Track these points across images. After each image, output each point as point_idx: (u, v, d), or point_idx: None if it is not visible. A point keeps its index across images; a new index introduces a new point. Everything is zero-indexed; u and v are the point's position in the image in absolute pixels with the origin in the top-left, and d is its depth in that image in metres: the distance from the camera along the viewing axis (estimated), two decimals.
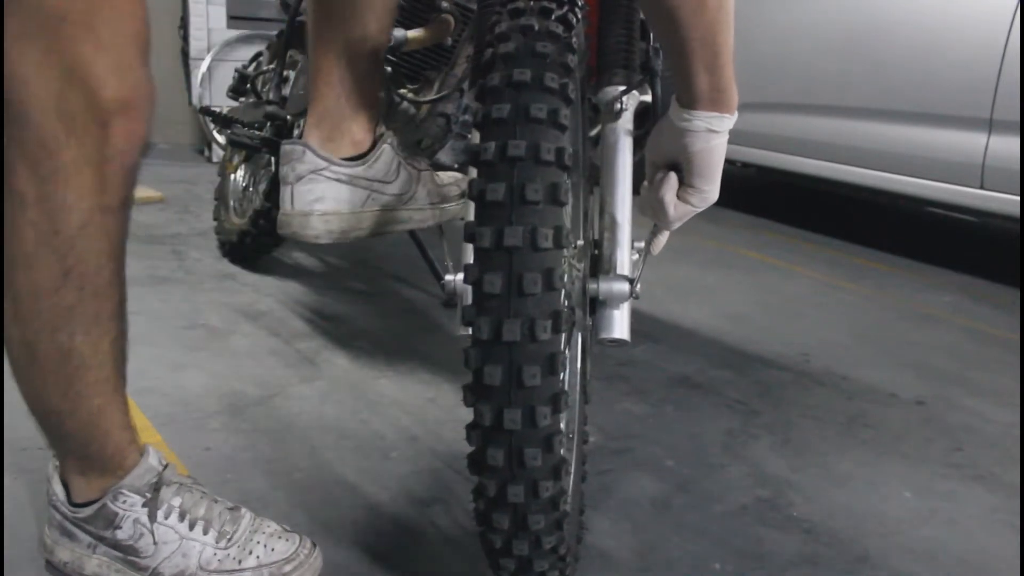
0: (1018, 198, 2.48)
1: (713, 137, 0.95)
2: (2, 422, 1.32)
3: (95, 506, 0.95)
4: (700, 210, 1.01)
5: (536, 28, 0.85)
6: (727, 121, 0.96)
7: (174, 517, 0.97)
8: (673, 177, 0.99)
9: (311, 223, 1.11)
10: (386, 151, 1.17)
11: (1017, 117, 2.45)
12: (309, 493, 1.23)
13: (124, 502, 0.95)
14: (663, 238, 1.08)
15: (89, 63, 0.75)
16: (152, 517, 0.95)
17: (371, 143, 1.17)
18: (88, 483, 0.95)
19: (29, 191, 0.78)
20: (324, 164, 1.11)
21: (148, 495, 0.96)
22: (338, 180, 1.12)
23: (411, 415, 1.50)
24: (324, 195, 1.10)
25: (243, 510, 1.01)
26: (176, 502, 0.97)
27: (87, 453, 0.93)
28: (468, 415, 0.82)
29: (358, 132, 1.15)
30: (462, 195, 1.24)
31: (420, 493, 1.25)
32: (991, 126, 2.53)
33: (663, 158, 1.00)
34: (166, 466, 0.99)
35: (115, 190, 0.82)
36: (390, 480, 1.28)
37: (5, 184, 0.79)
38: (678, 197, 0.99)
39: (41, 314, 0.83)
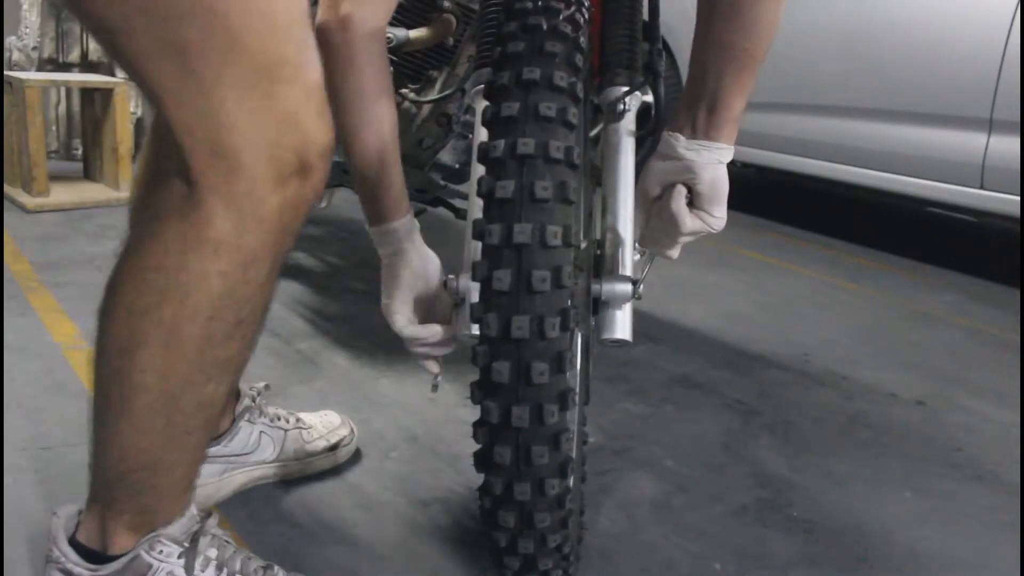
0: (1018, 198, 2.48)
1: (720, 167, 0.99)
2: (2, 422, 1.32)
3: (124, 560, 0.86)
4: (712, 232, 1.03)
5: (544, 27, 0.85)
6: (730, 153, 1.00)
7: (211, 570, 0.89)
8: (683, 190, 1.01)
9: None
10: (243, 428, 1.19)
11: (1017, 117, 2.45)
12: (309, 493, 1.23)
13: (160, 552, 0.86)
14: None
15: (302, 109, 0.74)
16: (189, 569, 0.87)
17: (229, 423, 1.18)
18: (132, 537, 0.87)
19: (228, 241, 0.75)
20: None
21: (186, 545, 0.88)
22: None
23: (411, 415, 1.50)
24: None
25: (276, 568, 0.95)
26: (212, 553, 0.89)
27: (159, 507, 0.86)
28: (469, 415, 0.82)
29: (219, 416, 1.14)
30: (330, 448, 1.28)
31: (420, 493, 1.25)
32: (991, 126, 2.53)
33: (662, 187, 1.03)
34: (208, 515, 0.93)
35: (297, 233, 0.80)
36: (390, 480, 1.28)
37: (195, 233, 0.74)
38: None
39: (203, 366, 0.79)
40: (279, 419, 1.24)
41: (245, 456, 1.19)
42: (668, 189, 1.02)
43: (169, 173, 0.75)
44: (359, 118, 1.03)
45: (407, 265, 1.07)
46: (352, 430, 1.33)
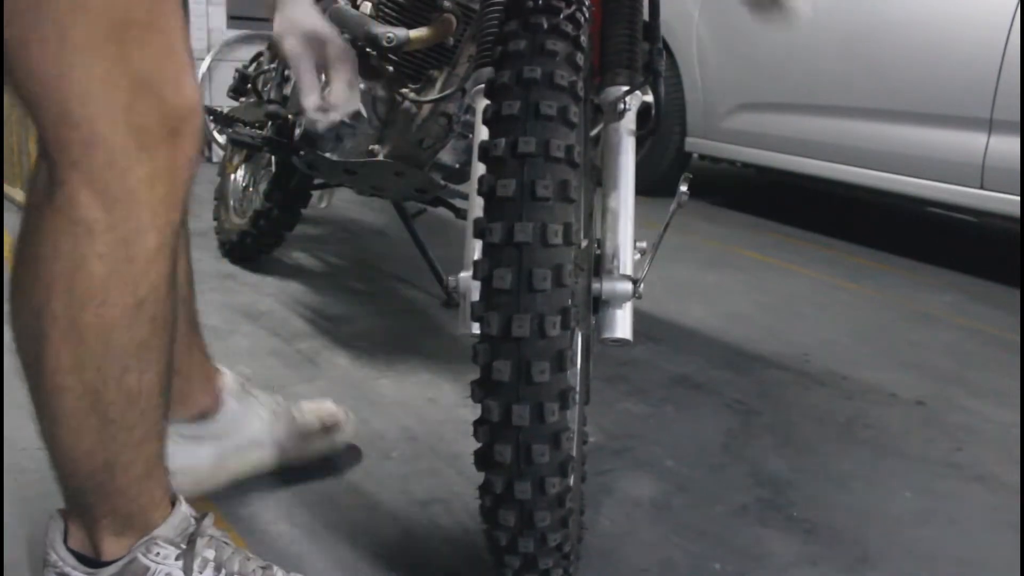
0: (1018, 198, 2.48)
1: None
2: (2, 422, 1.32)
3: (120, 563, 0.85)
4: None
5: (545, 26, 0.85)
6: None
7: (209, 571, 0.87)
8: None
9: None
10: (231, 406, 1.17)
11: (1017, 117, 2.45)
12: (309, 493, 1.23)
13: (157, 554, 0.85)
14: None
15: (158, 69, 0.70)
16: (188, 571, 0.86)
17: (216, 399, 1.17)
18: (120, 542, 0.85)
19: (98, 218, 0.71)
20: (171, 428, 1.10)
21: (183, 547, 0.87)
22: (185, 440, 1.12)
23: (411, 415, 1.49)
24: (173, 455, 1.06)
25: (275, 568, 0.93)
26: (210, 555, 0.88)
27: (132, 510, 0.84)
28: (469, 415, 0.82)
29: (200, 394, 1.14)
30: (324, 429, 1.27)
31: (420, 493, 1.25)
32: (991, 126, 2.53)
33: None
34: (204, 516, 0.91)
35: (183, 203, 0.77)
36: (390, 480, 1.28)
37: (63, 216, 0.71)
38: None
39: (111, 355, 0.75)
40: (269, 400, 1.24)
41: (234, 435, 1.17)
42: None
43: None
44: None
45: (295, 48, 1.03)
46: (348, 415, 1.31)
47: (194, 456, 1.13)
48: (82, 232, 0.71)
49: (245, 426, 1.19)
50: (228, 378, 1.19)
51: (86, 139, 0.69)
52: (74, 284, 0.73)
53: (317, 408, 1.29)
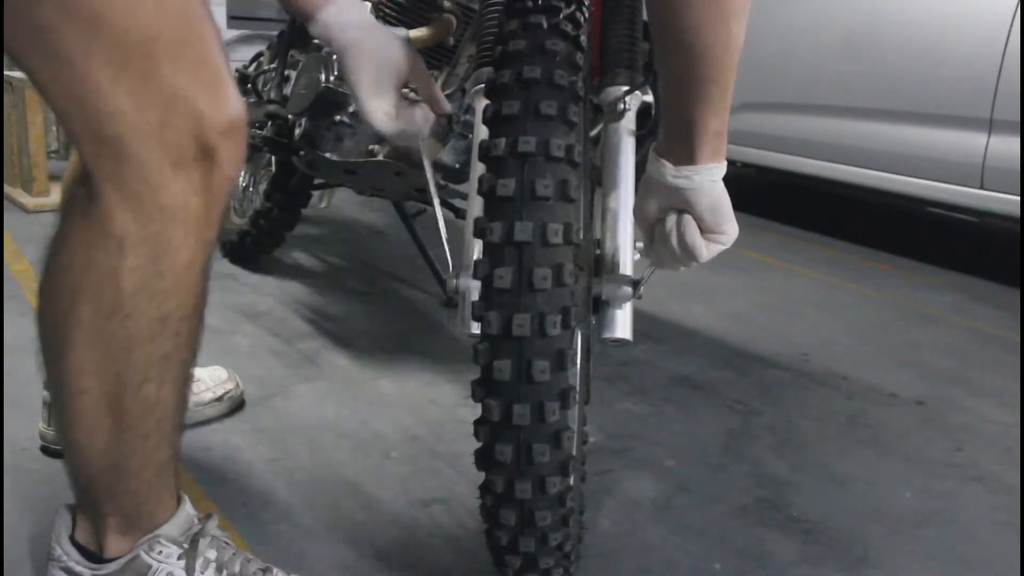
0: (1018, 198, 2.48)
1: (716, 186, 0.92)
2: (2, 422, 1.32)
3: (123, 560, 0.86)
4: (727, 247, 0.98)
5: (545, 26, 0.86)
6: (722, 168, 0.93)
7: (211, 571, 0.88)
8: (691, 220, 0.94)
9: None
10: None
11: (1017, 117, 2.45)
12: (309, 493, 1.23)
13: (160, 553, 0.86)
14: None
15: (192, 82, 0.69)
16: (189, 571, 0.86)
17: None
18: (124, 540, 0.86)
19: (131, 232, 0.71)
20: None
21: (186, 546, 0.87)
22: None
23: (411, 415, 1.49)
24: None
25: (276, 570, 0.93)
26: (212, 555, 0.88)
27: (140, 511, 0.85)
28: (469, 415, 0.82)
29: None
30: (216, 399, 1.42)
31: (420, 493, 1.25)
32: (991, 126, 2.53)
33: (662, 212, 0.96)
34: (208, 516, 0.92)
35: (216, 221, 0.76)
36: (390, 480, 1.28)
37: (97, 229, 0.72)
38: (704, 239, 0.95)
39: (132, 365, 0.76)
40: None
41: None
42: (671, 215, 0.96)
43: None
44: None
45: (361, 55, 1.02)
46: (238, 384, 1.46)
47: None
48: (114, 246, 0.71)
49: None
50: None
51: (118, 155, 0.69)
52: (102, 295, 0.73)
53: (211, 376, 1.42)
